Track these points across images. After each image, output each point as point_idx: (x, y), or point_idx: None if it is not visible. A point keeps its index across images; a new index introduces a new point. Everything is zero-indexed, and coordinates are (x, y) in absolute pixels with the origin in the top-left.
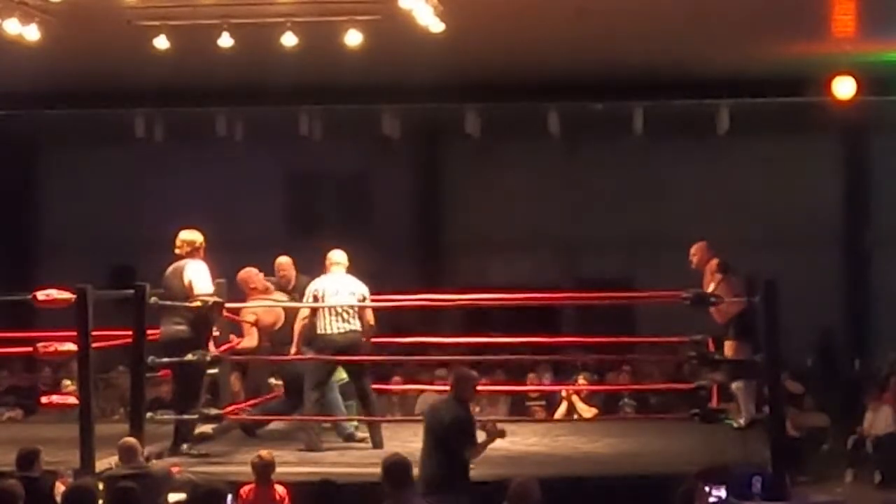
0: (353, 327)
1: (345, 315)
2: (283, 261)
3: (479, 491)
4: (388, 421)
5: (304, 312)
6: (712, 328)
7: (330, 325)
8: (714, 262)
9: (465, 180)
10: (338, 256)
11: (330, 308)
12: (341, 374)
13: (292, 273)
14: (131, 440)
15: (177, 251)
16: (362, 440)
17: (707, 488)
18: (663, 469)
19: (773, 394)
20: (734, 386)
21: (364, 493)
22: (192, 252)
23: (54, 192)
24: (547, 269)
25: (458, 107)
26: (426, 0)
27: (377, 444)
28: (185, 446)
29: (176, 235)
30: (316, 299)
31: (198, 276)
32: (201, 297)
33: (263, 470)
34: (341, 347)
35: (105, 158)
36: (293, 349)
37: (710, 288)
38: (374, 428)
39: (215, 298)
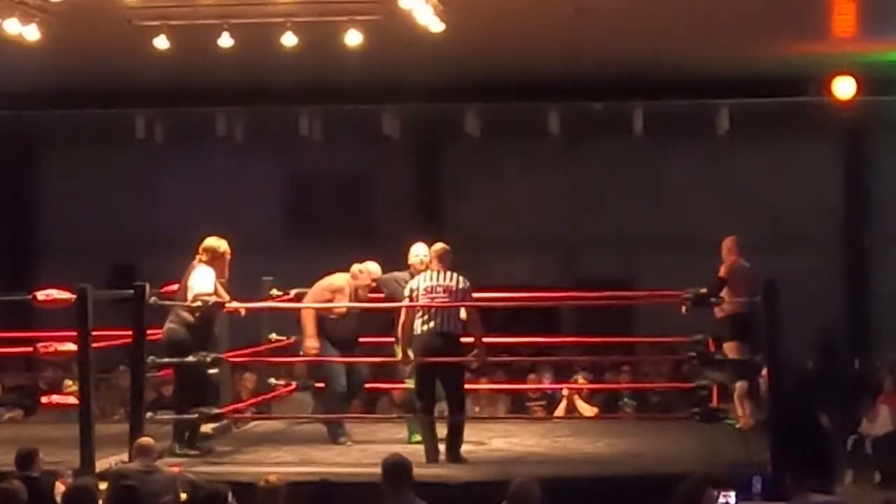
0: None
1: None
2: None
3: (479, 491)
4: (390, 419)
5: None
6: (712, 328)
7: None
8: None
9: (465, 180)
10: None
11: None
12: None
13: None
14: (148, 440)
15: (197, 256)
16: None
17: (715, 492)
18: (663, 469)
19: (774, 394)
20: (738, 386)
21: (364, 493)
22: (211, 260)
23: (54, 192)
24: (547, 269)
25: (458, 107)
26: (426, 0)
27: None
28: (178, 446)
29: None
30: None
31: (196, 279)
32: (201, 297)
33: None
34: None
35: (105, 158)
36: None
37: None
38: None
39: (215, 298)
